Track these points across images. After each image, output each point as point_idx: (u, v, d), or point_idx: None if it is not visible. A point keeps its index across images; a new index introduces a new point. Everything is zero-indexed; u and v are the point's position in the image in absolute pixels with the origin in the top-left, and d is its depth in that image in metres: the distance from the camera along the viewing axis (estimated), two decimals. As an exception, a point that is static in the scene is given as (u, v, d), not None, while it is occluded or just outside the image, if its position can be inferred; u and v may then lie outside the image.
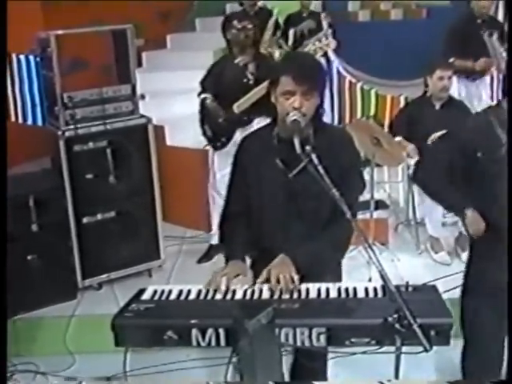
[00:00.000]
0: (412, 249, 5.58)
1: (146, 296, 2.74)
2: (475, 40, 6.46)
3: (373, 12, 10.12)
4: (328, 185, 2.60)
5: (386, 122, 6.52)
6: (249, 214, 3.07)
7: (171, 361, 4.20)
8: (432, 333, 2.34)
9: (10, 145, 3.65)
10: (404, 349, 2.38)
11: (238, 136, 5.06)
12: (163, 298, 2.73)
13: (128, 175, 5.00)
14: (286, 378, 2.98)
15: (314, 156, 2.65)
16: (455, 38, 6.55)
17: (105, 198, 4.95)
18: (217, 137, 5.28)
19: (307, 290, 2.69)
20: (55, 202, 4.78)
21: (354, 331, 2.41)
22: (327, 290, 2.69)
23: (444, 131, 4.22)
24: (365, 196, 5.42)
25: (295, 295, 2.66)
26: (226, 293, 2.73)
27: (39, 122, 5.86)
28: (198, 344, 2.45)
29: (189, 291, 2.76)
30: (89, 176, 4.86)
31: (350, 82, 7.02)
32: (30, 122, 5.89)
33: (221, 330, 2.43)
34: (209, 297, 2.71)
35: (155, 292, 2.77)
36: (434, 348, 2.32)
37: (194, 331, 2.43)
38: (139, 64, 7.43)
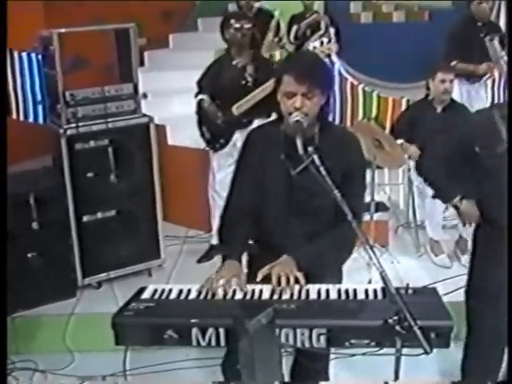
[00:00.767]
0: (412, 251, 5.58)
1: (146, 295, 2.73)
2: (476, 43, 6.49)
3: (375, 14, 10.13)
4: (330, 186, 2.59)
5: (388, 125, 6.52)
6: (251, 211, 3.04)
7: (170, 360, 4.20)
8: (432, 335, 2.33)
9: (12, 142, 3.66)
10: (404, 351, 2.38)
11: (238, 137, 5.07)
12: (163, 297, 2.72)
13: (129, 174, 5.00)
14: (286, 378, 2.98)
15: (315, 157, 2.65)
16: (456, 41, 6.57)
17: (105, 197, 4.96)
18: (215, 138, 5.27)
19: (307, 291, 2.69)
20: (56, 200, 4.79)
21: (354, 332, 2.40)
22: (327, 291, 2.69)
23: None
24: (365, 198, 5.45)
25: (296, 295, 2.66)
26: (224, 294, 2.72)
27: (40, 120, 5.85)
28: (198, 343, 2.44)
29: (189, 291, 2.75)
30: (90, 174, 4.87)
31: (352, 84, 7.00)
32: (31, 119, 5.88)
33: (221, 330, 2.42)
34: (209, 296, 2.70)
35: (155, 291, 2.76)
36: (434, 350, 2.32)
37: (195, 330, 2.43)
38: (141, 63, 7.43)
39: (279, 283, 2.70)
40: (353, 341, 2.40)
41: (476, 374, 3.62)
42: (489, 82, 6.89)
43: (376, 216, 5.35)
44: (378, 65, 8.68)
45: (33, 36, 5.18)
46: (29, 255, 4.71)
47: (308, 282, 2.74)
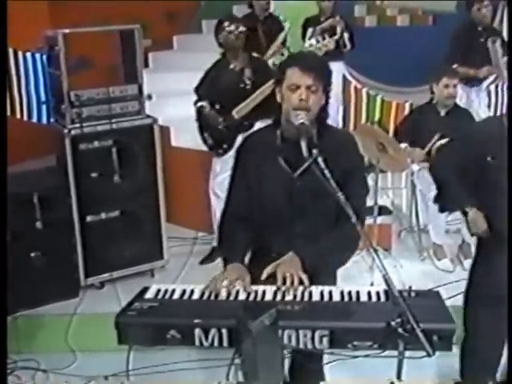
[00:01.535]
0: (415, 255, 5.58)
1: (149, 295, 2.74)
2: (476, 47, 6.52)
3: (379, 18, 10.12)
4: (334, 188, 2.60)
5: (391, 128, 6.52)
6: (249, 215, 3.06)
7: (171, 361, 4.20)
8: (435, 338, 2.33)
9: (16, 142, 3.67)
10: (406, 353, 2.38)
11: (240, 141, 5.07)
12: (167, 297, 2.72)
13: (133, 175, 5.01)
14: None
15: (320, 159, 2.66)
16: (457, 45, 6.59)
17: (109, 197, 4.97)
18: (218, 144, 5.27)
19: (310, 293, 2.69)
20: (60, 200, 4.80)
21: (357, 334, 2.40)
22: (330, 293, 2.70)
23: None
24: (368, 202, 5.45)
25: (299, 297, 2.66)
26: (228, 295, 2.73)
27: (44, 120, 5.87)
28: (201, 344, 2.44)
29: (192, 291, 2.76)
30: (94, 175, 4.88)
31: (356, 87, 7.02)
32: (35, 119, 5.90)
33: (224, 331, 2.43)
34: (212, 297, 2.71)
35: (159, 291, 2.77)
36: (436, 353, 2.32)
37: (197, 331, 2.43)
38: (146, 64, 7.44)
39: (284, 282, 2.70)
40: (355, 343, 2.40)
41: (472, 377, 3.63)
42: (492, 88, 6.90)
43: (379, 220, 5.35)
44: (382, 68, 8.67)
45: (38, 36, 5.19)
46: (32, 255, 4.72)
47: (311, 280, 2.75)
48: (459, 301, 3.85)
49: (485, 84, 6.84)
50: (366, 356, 2.42)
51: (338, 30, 6.78)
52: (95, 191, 4.91)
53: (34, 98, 5.85)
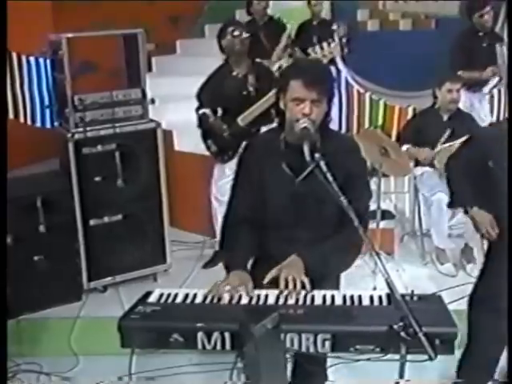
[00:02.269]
0: (417, 259, 5.58)
1: (152, 298, 2.75)
2: (478, 52, 6.52)
3: (382, 22, 10.12)
4: (337, 192, 2.60)
5: (394, 133, 6.53)
6: (251, 220, 3.05)
7: (173, 365, 4.20)
8: (437, 341, 2.34)
9: (19, 146, 3.69)
10: (408, 357, 2.39)
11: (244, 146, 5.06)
12: (169, 300, 2.73)
13: (136, 179, 5.01)
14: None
15: (322, 163, 2.66)
16: (459, 51, 6.60)
17: (112, 201, 4.97)
18: (223, 151, 5.27)
19: (313, 297, 2.70)
20: (63, 204, 4.80)
21: (359, 338, 2.41)
22: (332, 297, 2.70)
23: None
24: (371, 206, 5.45)
25: (301, 301, 2.66)
26: (230, 300, 2.73)
27: (48, 124, 5.88)
28: (204, 347, 2.45)
29: (195, 295, 2.77)
30: (97, 179, 4.88)
31: (359, 92, 7.02)
32: (38, 123, 5.91)
33: (226, 334, 2.43)
34: (215, 301, 2.72)
35: (161, 295, 2.77)
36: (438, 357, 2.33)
37: (200, 334, 2.44)
38: (149, 69, 7.46)
39: (286, 286, 2.71)
40: (358, 346, 2.41)
41: (470, 377, 3.64)
42: (495, 92, 6.91)
43: (382, 224, 5.35)
44: (385, 73, 8.66)
45: (41, 40, 5.21)
46: (35, 258, 4.72)
47: (313, 284, 2.76)
48: (462, 305, 3.85)
49: (487, 89, 6.84)
50: (368, 359, 2.42)
51: (336, 34, 6.77)
52: (98, 195, 4.91)
53: (37, 102, 5.84)
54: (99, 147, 4.87)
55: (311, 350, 2.42)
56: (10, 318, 4.01)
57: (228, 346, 2.44)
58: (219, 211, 5.32)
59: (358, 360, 2.42)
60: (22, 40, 5.26)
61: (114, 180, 4.91)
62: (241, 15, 8.06)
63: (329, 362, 3.25)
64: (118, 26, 5.26)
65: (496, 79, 6.68)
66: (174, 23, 8.72)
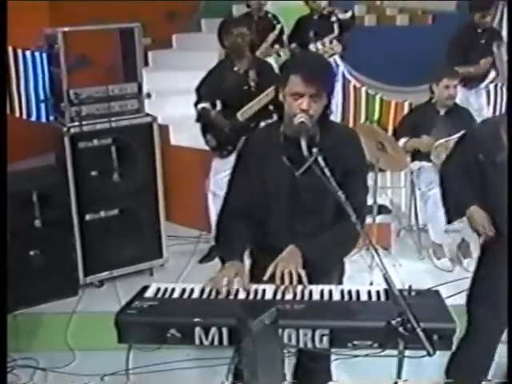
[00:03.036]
0: (414, 254, 5.59)
1: (149, 293, 2.74)
2: (475, 48, 6.53)
3: (379, 17, 10.10)
4: (334, 187, 2.59)
5: (390, 128, 6.52)
6: (248, 212, 3.04)
7: (171, 360, 4.19)
8: (435, 337, 2.33)
9: (15, 140, 3.66)
10: (406, 352, 2.38)
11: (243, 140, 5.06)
12: (167, 295, 2.72)
13: (132, 173, 5.01)
14: (288, 378, 2.98)
15: (320, 158, 2.65)
16: (457, 47, 6.59)
17: (108, 196, 4.97)
18: (222, 146, 5.26)
19: (310, 292, 2.69)
20: (59, 198, 4.80)
21: (357, 334, 2.40)
22: (330, 292, 2.69)
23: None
24: (367, 201, 5.44)
25: (299, 296, 2.66)
26: (227, 294, 2.73)
27: (43, 119, 5.85)
28: (201, 343, 2.44)
29: (192, 290, 2.76)
30: (93, 173, 4.87)
31: (355, 87, 7.01)
32: (34, 118, 5.89)
33: (224, 330, 2.43)
34: (212, 296, 2.71)
35: (158, 290, 2.77)
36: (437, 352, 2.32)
37: (198, 330, 2.43)
38: (145, 63, 7.43)
39: (283, 280, 2.70)
40: (355, 342, 2.40)
41: (464, 372, 3.64)
42: (491, 87, 6.91)
43: (378, 219, 5.36)
44: (381, 68, 8.64)
45: (38, 35, 5.18)
46: (31, 253, 4.72)
47: (314, 275, 2.75)
48: (459, 300, 3.85)
49: (483, 85, 6.84)
50: (366, 355, 2.41)
51: (336, 29, 6.75)
52: (94, 189, 4.90)
53: (33, 97, 5.82)
54: (95, 141, 4.86)
55: (309, 345, 2.42)
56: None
57: (226, 341, 2.44)
58: (215, 205, 5.32)
59: (356, 356, 2.41)
60: (18, 35, 5.23)
61: (110, 174, 4.90)
62: (237, 10, 8.04)
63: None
64: (115, 21, 5.24)
65: (492, 74, 6.69)
66: (170, 18, 8.68)
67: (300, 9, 7.55)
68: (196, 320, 2.44)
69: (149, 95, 5.12)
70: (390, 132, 5.99)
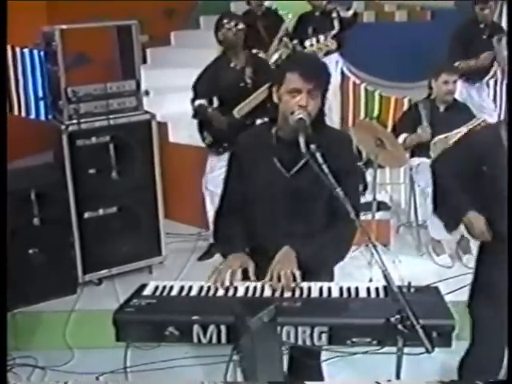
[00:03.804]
0: (413, 251, 5.57)
1: (147, 291, 2.73)
2: (478, 43, 6.52)
3: (377, 13, 10.09)
4: (333, 184, 2.58)
5: (389, 124, 6.52)
6: (244, 211, 3.05)
7: (169, 358, 4.19)
8: (434, 334, 2.33)
9: (13, 138, 3.65)
10: (405, 349, 2.37)
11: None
12: (165, 293, 2.72)
13: (130, 171, 4.99)
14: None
15: (318, 155, 2.64)
16: (459, 42, 6.59)
17: (107, 194, 4.95)
18: (218, 143, 5.25)
19: (309, 289, 2.69)
20: (57, 197, 4.78)
21: (356, 331, 2.40)
22: (329, 290, 2.69)
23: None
24: (367, 197, 5.44)
25: (297, 293, 2.65)
26: (228, 288, 2.73)
27: (42, 117, 5.86)
28: (199, 340, 2.44)
29: (190, 287, 2.75)
30: (91, 171, 4.86)
31: (354, 83, 7.01)
32: (32, 116, 5.89)
33: (222, 327, 2.42)
34: (210, 293, 2.70)
35: (157, 287, 2.76)
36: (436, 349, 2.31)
37: (196, 327, 2.43)
38: (143, 60, 7.42)
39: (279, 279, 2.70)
40: (354, 339, 2.40)
41: (473, 373, 3.62)
42: (491, 82, 6.90)
43: (378, 215, 5.35)
44: (380, 64, 8.64)
45: (35, 32, 5.17)
46: (30, 251, 4.71)
47: (307, 276, 2.75)
48: (458, 296, 3.85)
49: (485, 79, 6.84)
50: (365, 353, 2.41)
51: (336, 26, 6.73)
52: (93, 187, 4.89)
53: (31, 95, 5.83)
54: (93, 139, 4.84)
55: (308, 342, 2.42)
56: (4, 311, 3.99)
57: (224, 339, 2.43)
58: (212, 202, 5.31)
59: (355, 353, 2.40)
60: (16, 33, 5.22)
61: (108, 172, 4.89)
62: (236, 7, 8.02)
63: (326, 355, 3.25)
64: (113, 18, 5.23)
65: (493, 69, 6.68)
66: (168, 15, 8.67)
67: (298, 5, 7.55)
68: (194, 318, 2.44)
69: (147, 92, 5.11)
70: (390, 128, 5.98)
